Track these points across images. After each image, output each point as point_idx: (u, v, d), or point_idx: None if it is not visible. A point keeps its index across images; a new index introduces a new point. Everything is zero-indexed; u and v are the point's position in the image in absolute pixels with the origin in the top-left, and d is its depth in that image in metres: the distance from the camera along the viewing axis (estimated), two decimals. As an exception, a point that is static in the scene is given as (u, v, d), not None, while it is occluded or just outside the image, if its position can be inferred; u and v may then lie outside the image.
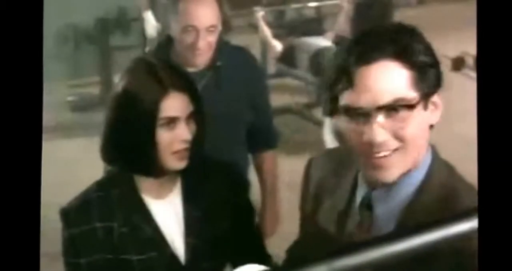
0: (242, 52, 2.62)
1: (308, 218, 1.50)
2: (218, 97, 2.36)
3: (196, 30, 2.35)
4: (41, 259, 0.97)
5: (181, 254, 1.61)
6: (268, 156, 2.69)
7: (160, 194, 1.62)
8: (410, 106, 1.22)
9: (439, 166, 1.33)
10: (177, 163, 1.55)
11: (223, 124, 2.34)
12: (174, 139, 1.52)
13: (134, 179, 1.61)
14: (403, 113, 1.22)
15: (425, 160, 1.31)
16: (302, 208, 1.55)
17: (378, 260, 0.78)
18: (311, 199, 1.50)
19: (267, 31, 6.11)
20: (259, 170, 2.70)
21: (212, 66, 2.44)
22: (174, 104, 1.51)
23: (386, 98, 1.21)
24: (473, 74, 6.51)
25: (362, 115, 1.23)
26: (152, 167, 1.53)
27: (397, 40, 1.24)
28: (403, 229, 0.83)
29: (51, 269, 1.63)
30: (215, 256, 1.63)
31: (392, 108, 1.22)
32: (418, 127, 1.25)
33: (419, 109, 1.24)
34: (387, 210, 1.31)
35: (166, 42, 2.51)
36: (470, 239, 0.85)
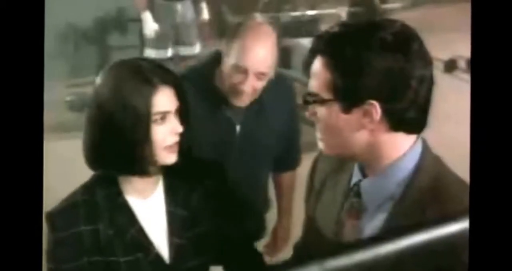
0: (284, 82, 2.50)
1: (311, 212, 1.53)
2: (258, 130, 2.35)
3: (246, 72, 2.17)
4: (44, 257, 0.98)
5: (166, 254, 1.62)
6: (288, 174, 2.68)
7: (143, 194, 1.63)
8: (322, 102, 1.31)
9: (429, 159, 1.35)
10: (168, 157, 1.56)
11: (256, 153, 2.38)
12: (167, 134, 1.53)
13: (119, 181, 1.62)
14: (315, 107, 1.33)
15: (415, 152, 1.34)
16: (307, 202, 1.58)
17: (370, 261, 0.79)
18: (315, 194, 1.53)
19: None
20: (278, 186, 2.71)
21: (255, 100, 2.30)
22: (164, 99, 1.53)
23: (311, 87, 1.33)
24: (465, 76, 6.56)
25: None
26: (145, 164, 1.53)
27: (334, 44, 1.30)
28: (394, 230, 0.84)
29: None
30: (200, 255, 1.64)
31: (305, 100, 1.34)
32: (330, 124, 1.32)
33: (333, 109, 1.30)
34: (375, 199, 1.35)
35: (213, 60, 2.33)
36: (459, 240, 0.86)
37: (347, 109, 1.29)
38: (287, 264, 0.80)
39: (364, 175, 1.38)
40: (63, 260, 1.59)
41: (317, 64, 1.32)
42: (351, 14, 6.83)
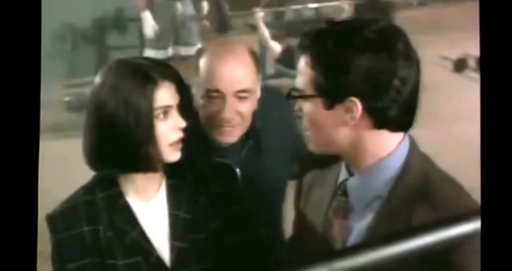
0: (279, 98, 1.91)
1: (300, 212, 1.54)
2: (260, 163, 1.97)
3: (222, 96, 1.81)
4: (38, 258, 0.97)
5: (167, 257, 1.61)
6: None
7: (146, 196, 1.61)
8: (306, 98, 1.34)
9: (416, 157, 1.35)
10: (172, 155, 1.55)
11: (265, 195, 1.98)
12: (170, 130, 1.53)
13: (120, 182, 1.61)
14: (301, 102, 1.36)
15: (402, 151, 1.34)
16: (296, 203, 1.58)
17: (378, 262, 0.78)
18: (304, 195, 1.53)
19: (266, 32, 6.11)
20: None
21: (250, 132, 1.94)
22: (166, 94, 1.52)
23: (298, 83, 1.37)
24: (475, 75, 6.53)
25: None
26: (149, 161, 1.53)
27: (317, 41, 1.32)
28: (402, 231, 0.84)
29: (47, 268, 1.63)
30: (201, 261, 1.62)
31: (290, 95, 1.38)
32: (314, 120, 1.34)
33: (317, 105, 1.32)
34: (362, 198, 1.35)
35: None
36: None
37: (329, 105, 1.30)
38: (295, 265, 0.79)
39: (351, 174, 1.39)
40: (67, 261, 1.57)
41: (302, 61, 1.35)
42: (355, 7, 6.81)
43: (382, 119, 1.29)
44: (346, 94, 1.27)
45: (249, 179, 1.92)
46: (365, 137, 1.31)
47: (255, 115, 1.92)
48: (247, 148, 1.95)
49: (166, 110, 1.52)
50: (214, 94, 1.81)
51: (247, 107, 1.85)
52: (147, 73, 1.51)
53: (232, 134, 1.87)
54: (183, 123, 1.55)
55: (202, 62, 1.84)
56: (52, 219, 1.58)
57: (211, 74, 1.81)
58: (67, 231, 1.57)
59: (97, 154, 1.55)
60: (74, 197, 1.62)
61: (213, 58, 1.85)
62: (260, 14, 5.96)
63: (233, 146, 1.92)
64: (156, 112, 1.50)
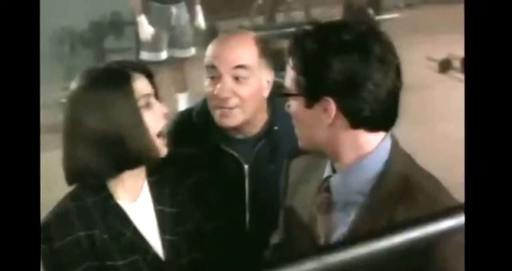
0: None
1: (288, 207, 1.57)
2: (272, 164, 1.90)
3: (219, 73, 1.81)
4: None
5: (161, 252, 1.63)
6: None
7: (132, 196, 1.63)
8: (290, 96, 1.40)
9: (398, 156, 1.39)
10: (161, 149, 1.58)
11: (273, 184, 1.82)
12: (156, 117, 1.56)
13: (108, 185, 1.61)
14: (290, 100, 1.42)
15: (384, 149, 1.37)
16: (283, 200, 1.61)
17: (366, 256, 0.80)
18: (290, 191, 1.57)
19: None
20: None
21: (267, 131, 1.92)
22: (142, 84, 1.57)
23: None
24: (460, 76, 6.58)
25: None
26: (140, 154, 1.54)
27: (297, 43, 1.37)
28: (393, 226, 0.85)
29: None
30: (192, 250, 1.64)
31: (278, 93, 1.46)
32: (298, 118, 1.41)
33: (300, 103, 1.37)
34: (344, 194, 1.39)
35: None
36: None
37: (309, 104, 1.36)
38: (286, 259, 0.81)
39: (334, 171, 1.42)
40: (65, 268, 1.57)
41: (290, 62, 1.41)
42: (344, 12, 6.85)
43: (356, 119, 1.33)
44: (322, 93, 1.32)
45: (255, 178, 1.92)
46: (342, 136, 1.35)
47: (272, 114, 1.91)
48: (260, 146, 1.92)
49: (147, 100, 1.56)
50: (211, 72, 1.81)
51: (247, 90, 1.82)
52: (119, 69, 1.56)
53: (230, 116, 1.83)
54: (165, 109, 1.58)
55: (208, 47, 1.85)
56: (45, 227, 1.56)
57: (210, 52, 1.83)
58: (62, 238, 1.56)
59: (85, 164, 1.53)
60: (62, 204, 1.61)
61: (216, 40, 1.87)
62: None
63: (248, 142, 1.91)
64: (139, 103, 1.53)
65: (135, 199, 1.63)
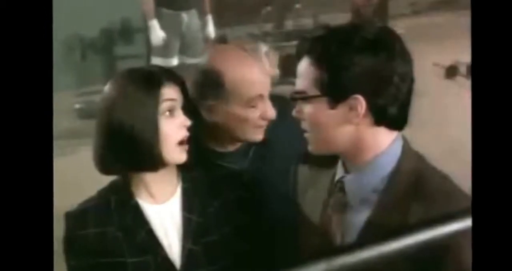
0: (283, 104, 1.82)
1: (298, 214, 1.58)
2: (265, 171, 1.91)
3: (262, 98, 1.84)
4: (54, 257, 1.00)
5: (177, 259, 1.64)
6: None
7: (159, 199, 1.65)
8: (309, 99, 1.38)
9: (410, 154, 1.40)
10: (180, 156, 1.59)
11: (269, 189, 1.87)
12: (177, 127, 1.58)
13: (132, 185, 1.65)
14: (302, 105, 1.41)
15: (397, 148, 1.39)
16: (293, 206, 1.61)
17: (375, 258, 0.81)
18: (300, 194, 1.59)
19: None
20: None
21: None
22: (171, 90, 1.59)
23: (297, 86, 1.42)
24: (466, 82, 6.58)
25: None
26: (157, 159, 1.56)
27: (319, 43, 1.37)
28: (401, 228, 0.86)
29: (63, 268, 1.67)
30: (212, 264, 1.65)
31: (293, 98, 1.42)
32: (316, 121, 1.39)
33: (320, 105, 1.36)
34: (359, 193, 1.40)
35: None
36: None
37: (333, 104, 1.35)
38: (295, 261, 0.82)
39: (347, 172, 1.43)
40: (72, 258, 1.64)
41: (304, 64, 1.40)
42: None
43: (382, 116, 1.35)
44: (349, 91, 1.32)
45: (252, 186, 1.88)
46: (365, 135, 1.36)
47: None
48: (252, 154, 1.93)
49: (171, 107, 1.58)
50: (254, 100, 1.81)
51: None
52: (151, 73, 1.59)
53: (262, 131, 1.88)
54: (188, 122, 1.60)
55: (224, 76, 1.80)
56: (67, 217, 1.66)
57: (242, 79, 1.79)
58: (75, 231, 1.64)
59: (105, 155, 1.59)
60: (89, 200, 1.69)
61: (236, 60, 1.83)
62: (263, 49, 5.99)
63: (234, 153, 1.93)
64: (162, 108, 1.56)
65: (163, 202, 1.65)
